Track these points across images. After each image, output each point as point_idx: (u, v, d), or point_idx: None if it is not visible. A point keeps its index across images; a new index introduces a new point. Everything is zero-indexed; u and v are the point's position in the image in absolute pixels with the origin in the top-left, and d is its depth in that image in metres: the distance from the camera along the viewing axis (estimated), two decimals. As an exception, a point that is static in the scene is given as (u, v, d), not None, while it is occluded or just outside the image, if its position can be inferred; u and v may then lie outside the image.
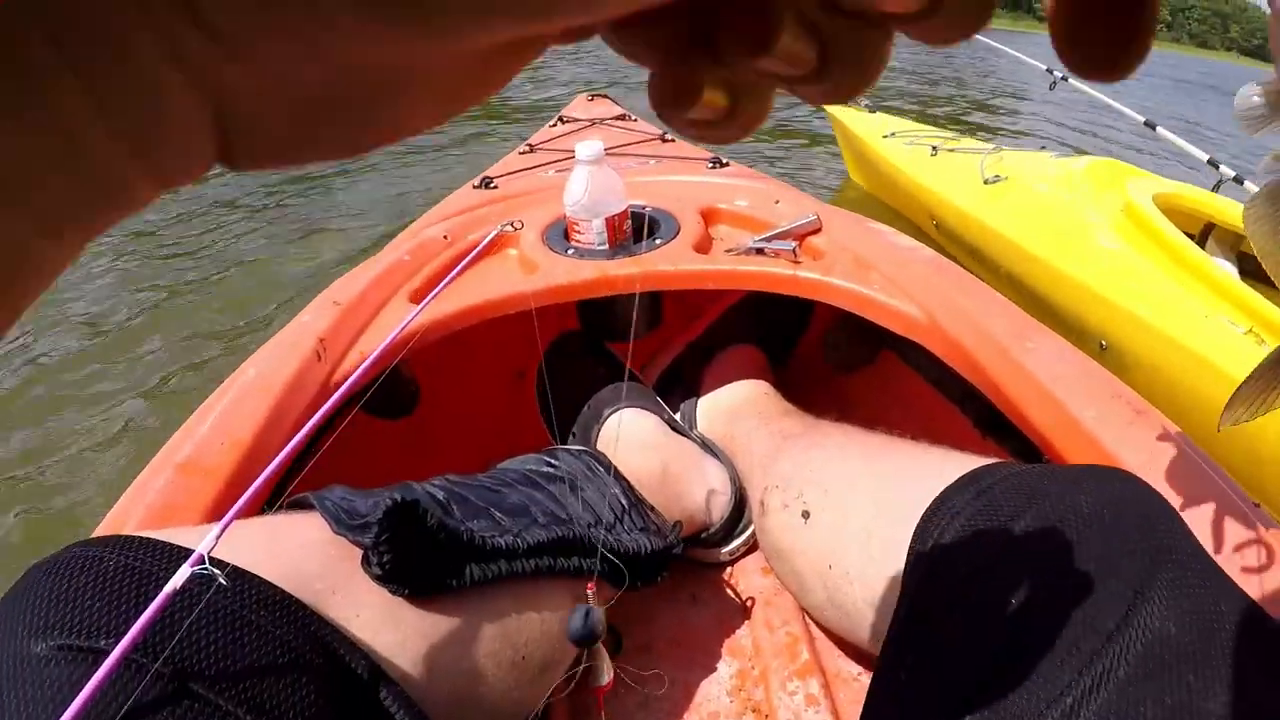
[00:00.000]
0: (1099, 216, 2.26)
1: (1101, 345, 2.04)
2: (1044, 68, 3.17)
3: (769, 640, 0.87)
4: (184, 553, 0.47)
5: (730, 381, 1.05)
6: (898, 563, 0.61)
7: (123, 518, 0.65)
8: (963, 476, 0.61)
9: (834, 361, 1.20)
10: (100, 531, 0.61)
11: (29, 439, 2.12)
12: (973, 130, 5.76)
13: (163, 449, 0.74)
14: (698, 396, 1.06)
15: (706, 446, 0.98)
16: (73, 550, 0.47)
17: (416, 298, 0.97)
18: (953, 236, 2.84)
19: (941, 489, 0.61)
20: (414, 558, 0.57)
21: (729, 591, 0.95)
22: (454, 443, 1.16)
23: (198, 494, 0.67)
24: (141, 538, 0.49)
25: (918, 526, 0.60)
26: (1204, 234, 2.34)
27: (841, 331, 1.16)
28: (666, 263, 0.99)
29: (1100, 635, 0.45)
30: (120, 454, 2.02)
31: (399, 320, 0.90)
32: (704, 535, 0.94)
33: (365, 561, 0.56)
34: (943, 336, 0.87)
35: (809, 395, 1.05)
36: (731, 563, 0.97)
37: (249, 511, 0.59)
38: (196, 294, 2.96)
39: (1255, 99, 0.37)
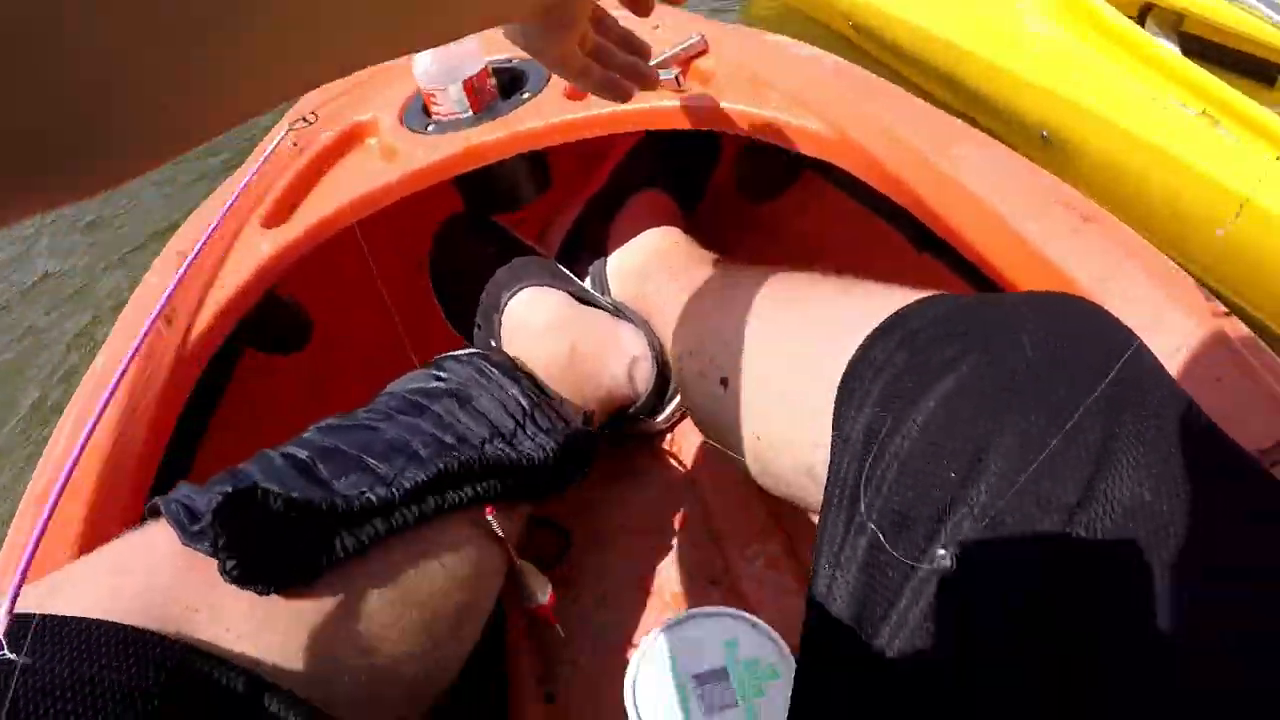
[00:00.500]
0: (1025, 2, 2.12)
1: (1043, 136, 1.93)
2: None
3: (720, 506, 0.81)
4: None
5: (637, 234, 0.95)
6: (825, 429, 0.52)
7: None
8: (885, 321, 0.52)
9: (748, 192, 1.09)
10: None
11: None
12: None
13: (29, 486, 0.66)
14: (605, 258, 0.96)
15: (620, 312, 0.89)
16: None
17: (273, 222, 0.86)
18: (872, 37, 2.68)
19: (865, 337, 0.52)
20: (268, 549, 0.49)
21: (672, 461, 0.88)
22: (366, 365, 1.07)
23: (70, 525, 0.59)
24: None
25: (839, 387, 0.51)
26: (1142, 14, 2.19)
27: (749, 159, 1.05)
28: (537, 118, 0.88)
29: (1061, 512, 0.37)
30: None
31: (254, 252, 0.80)
32: (632, 410, 0.86)
33: (220, 567, 0.47)
34: (857, 152, 0.77)
35: (731, 234, 0.96)
36: (670, 429, 0.90)
37: (127, 524, 0.51)
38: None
39: None
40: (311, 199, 0.87)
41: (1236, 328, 0.53)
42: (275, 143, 0.97)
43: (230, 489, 0.48)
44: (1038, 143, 1.96)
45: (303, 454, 0.57)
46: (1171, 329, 0.53)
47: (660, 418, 0.88)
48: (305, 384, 1.00)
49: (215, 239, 0.83)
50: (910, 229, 0.84)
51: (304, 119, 0.97)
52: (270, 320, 0.87)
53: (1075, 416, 0.39)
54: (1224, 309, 0.55)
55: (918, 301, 0.53)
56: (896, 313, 0.52)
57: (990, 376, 0.43)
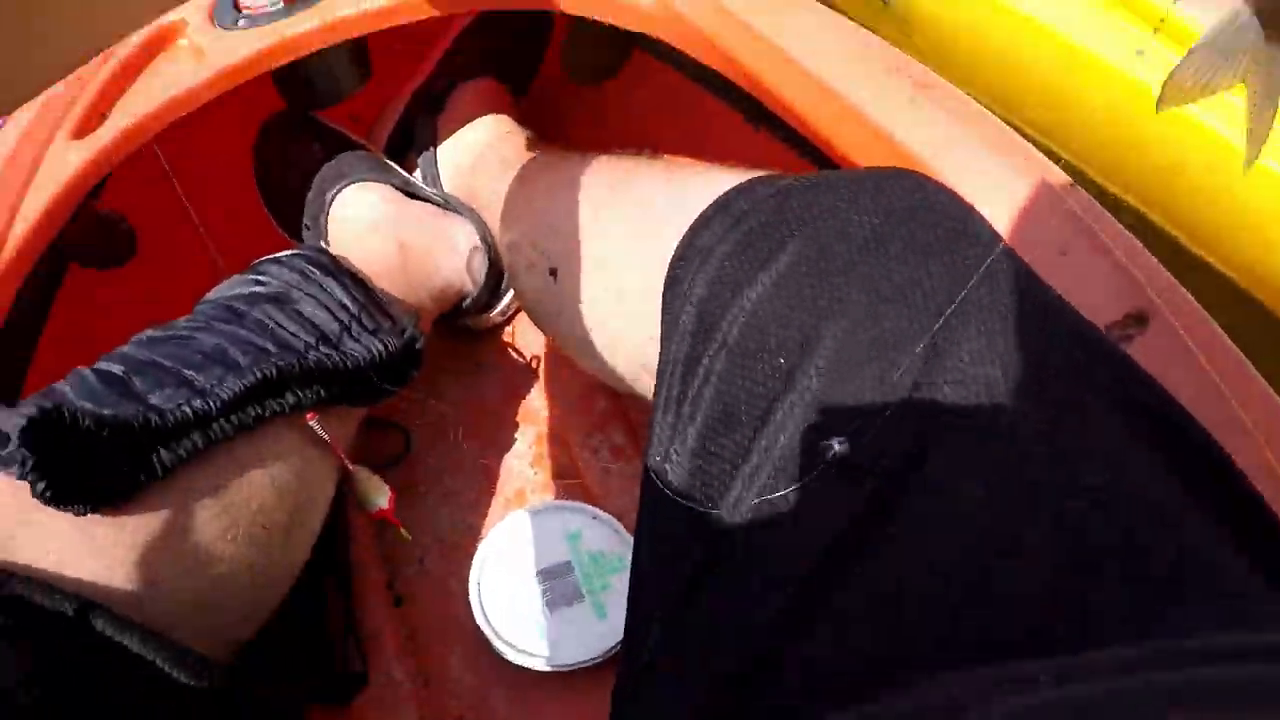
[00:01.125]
0: None
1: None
2: None
3: (562, 396, 0.82)
4: None
5: (467, 123, 0.94)
6: (657, 321, 0.53)
7: None
8: (712, 204, 0.52)
9: (578, 75, 1.09)
10: None
11: None
12: None
13: None
14: (435, 149, 0.95)
15: (450, 204, 0.89)
16: None
17: (80, 133, 0.82)
18: None
19: (693, 220, 0.52)
20: (81, 468, 0.48)
21: (513, 354, 0.89)
22: (196, 275, 1.04)
23: None
24: None
25: (666, 275, 0.52)
26: None
27: (574, 39, 1.04)
28: (352, 5, 0.86)
29: (899, 390, 0.38)
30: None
31: (63, 167, 0.77)
32: (465, 304, 0.86)
33: (32, 490, 0.47)
34: (683, 25, 0.76)
35: (563, 120, 0.96)
36: (508, 321, 0.90)
37: None
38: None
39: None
40: (120, 106, 0.84)
41: (1081, 198, 0.54)
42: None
43: (36, 410, 0.47)
44: (878, 6, 1.93)
45: (118, 369, 0.56)
46: (1012, 199, 0.53)
47: (495, 311, 0.89)
48: (139, 298, 0.97)
49: (22, 153, 0.80)
50: (743, 105, 0.85)
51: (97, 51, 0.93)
52: (89, 234, 0.84)
53: (911, 295, 0.40)
54: (1068, 179, 0.55)
55: (747, 182, 0.53)
56: (724, 194, 0.52)
57: (820, 258, 0.43)
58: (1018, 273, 0.41)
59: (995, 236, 0.43)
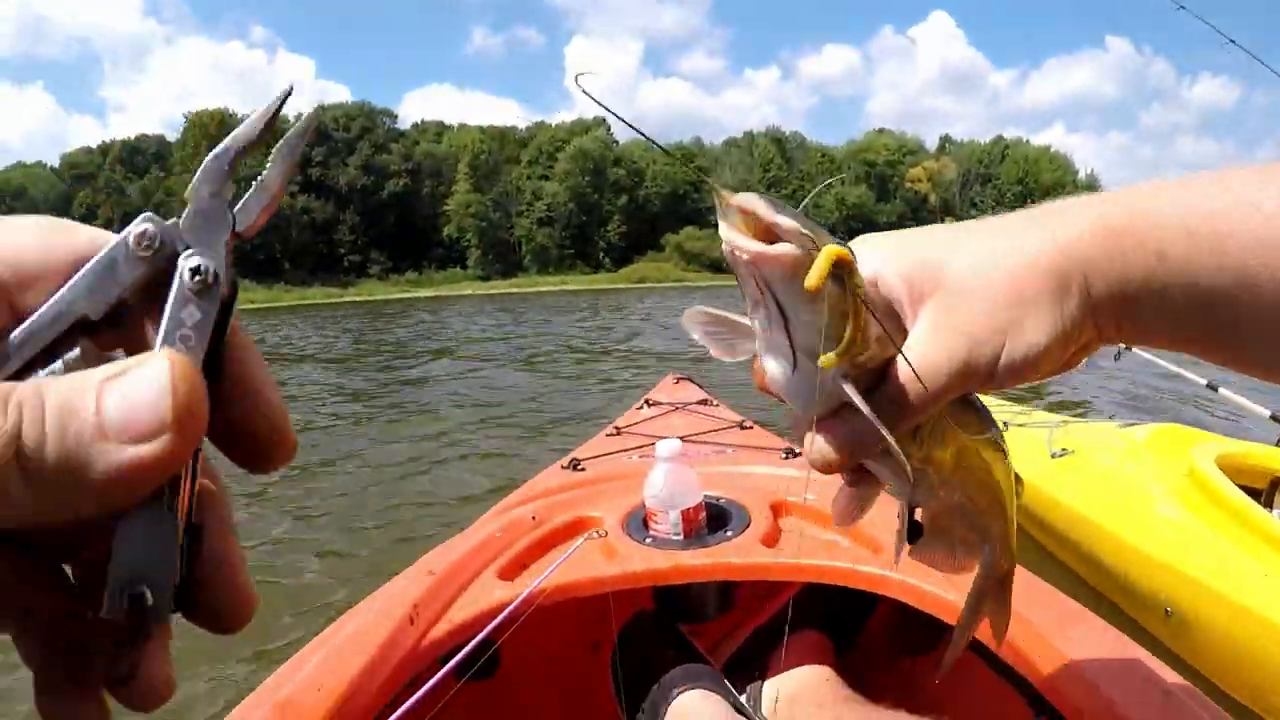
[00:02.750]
0: (1161, 486, 2.31)
1: (1167, 612, 2.03)
2: (1107, 343, 3.28)
3: None
4: None
5: (795, 667, 1.11)
6: None
7: None
8: None
9: (897, 647, 1.25)
10: None
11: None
12: (1041, 398, 5.85)
13: (260, 687, 0.84)
14: (763, 680, 1.12)
15: None
16: None
17: (505, 575, 1.08)
18: (1022, 510, 2.85)
19: None
20: None
21: None
22: (529, 707, 1.23)
23: None
24: None
25: None
26: (1271, 489, 2.35)
27: (903, 619, 1.22)
28: (736, 555, 1.09)
29: None
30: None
31: (488, 594, 1.00)
32: None
33: None
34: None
35: (873, 676, 1.11)
36: None
37: None
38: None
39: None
40: (539, 566, 1.08)
41: None
42: (516, 511, 1.21)
43: None
44: (1160, 616, 2.04)
45: None
46: None
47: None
48: (474, 707, 1.16)
49: (458, 571, 1.05)
50: (1028, 695, 0.98)
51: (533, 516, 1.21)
52: (482, 661, 1.05)
53: None
54: None
55: None
56: None
57: None
58: None
59: None
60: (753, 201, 0.38)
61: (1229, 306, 0.40)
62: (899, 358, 0.44)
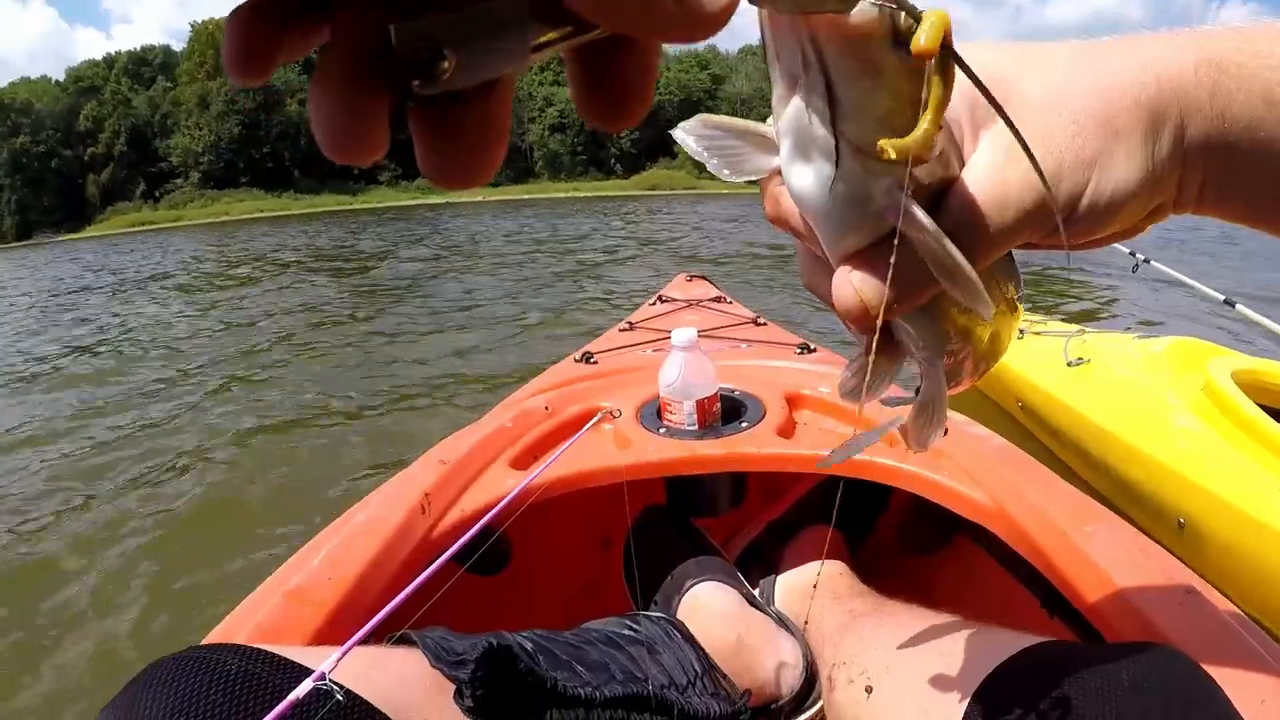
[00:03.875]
0: (1178, 398, 2.29)
1: (1180, 523, 2.04)
2: (1127, 250, 3.24)
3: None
4: (299, 668, 0.54)
5: (808, 561, 1.10)
6: None
7: (232, 631, 0.73)
8: (1015, 654, 0.65)
9: (909, 543, 1.24)
10: (210, 641, 0.68)
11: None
12: (1059, 310, 5.81)
13: (273, 575, 0.84)
14: (776, 574, 1.11)
15: (782, 622, 1.03)
16: (195, 652, 0.54)
17: (518, 464, 1.06)
18: (1036, 418, 2.86)
19: (997, 664, 0.65)
20: (502, 697, 0.65)
21: None
22: (540, 601, 1.23)
23: (303, 620, 0.75)
24: (262, 649, 0.56)
25: (969, 702, 0.64)
26: None
27: (915, 515, 1.21)
28: (751, 445, 1.07)
29: None
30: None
31: (500, 483, 0.99)
32: (773, 707, 0.98)
33: (458, 694, 0.63)
34: (1008, 522, 0.92)
35: (885, 574, 1.10)
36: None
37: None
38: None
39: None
40: (551, 456, 1.06)
41: None
42: (529, 401, 1.19)
43: (494, 642, 0.66)
44: (1173, 527, 2.06)
45: (528, 644, 0.74)
46: (1258, 693, 0.63)
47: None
48: (485, 601, 1.16)
49: (472, 462, 1.03)
50: (1042, 593, 0.97)
51: (546, 407, 1.19)
52: (486, 546, 1.05)
53: None
54: None
55: (1042, 642, 0.66)
56: (1023, 649, 0.65)
57: (1096, 707, 0.54)
58: None
59: (1231, 712, 0.52)
60: None
61: None
62: (963, 178, 0.37)
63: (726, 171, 0.39)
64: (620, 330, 1.66)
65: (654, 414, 1.15)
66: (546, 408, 1.18)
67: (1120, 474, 2.31)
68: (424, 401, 4.09)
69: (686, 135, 0.40)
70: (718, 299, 1.97)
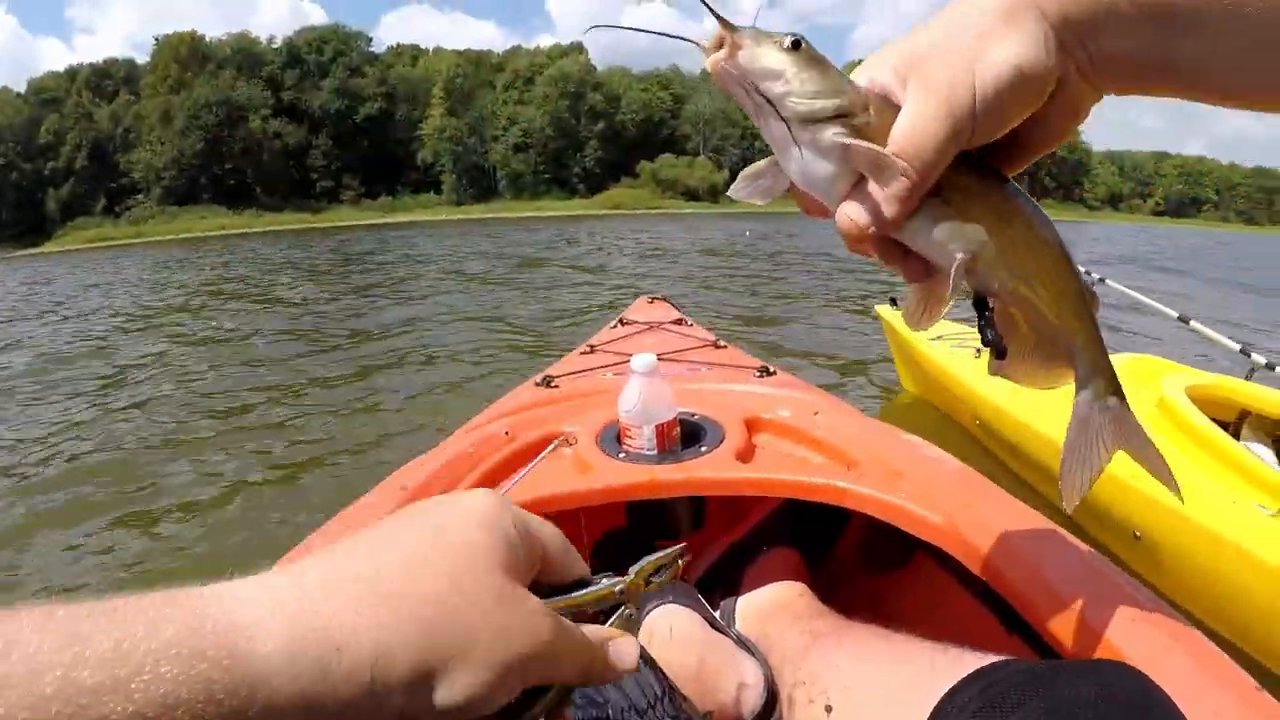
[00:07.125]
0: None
1: (1135, 535, 2.08)
2: (1083, 270, 3.28)
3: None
4: None
5: (768, 583, 1.11)
6: None
7: None
8: (971, 674, 0.66)
9: (869, 563, 1.25)
10: None
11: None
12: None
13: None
14: (737, 595, 1.12)
15: (743, 643, 1.04)
16: None
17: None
18: (994, 435, 2.90)
19: (954, 683, 0.66)
20: None
21: None
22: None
23: None
24: None
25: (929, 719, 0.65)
26: (1239, 421, 2.40)
27: (874, 536, 1.22)
28: (710, 470, 1.08)
29: None
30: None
31: None
32: None
33: None
34: (963, 542, 0.94)
35: (844, 594, 1.11)
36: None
37: None
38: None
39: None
40: (510, 482, 1.07)
41: (1265, 703, 0.65)
42: (489, 427, 1.19)
43: None
44: (1129, 540, 2.10)
45: None
46: (1211, 705, 0.64)
47: (759, 744, 1.00)
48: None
49: (430, 486, 1.04)
50: (1000, 611, 0.98)
51: (506, 432, 1.20)
52: None
53: None
54: (1270, 697, 0.66)
55: (999, 661, 0.68)
56: (980, 668, 0.66)
57: None
58: None
59: None
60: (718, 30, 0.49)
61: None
62: (897, 121, 0.50)
63: (772, 196, 0.55)
64: (581, 353, 1.66)
65: (614, 439, 1.16)
66: (507, 433, 1.19)
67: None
68: (379, 431, 4.09)
69: (737, 191, 0.55)
70: (679, 321, 1.98)
